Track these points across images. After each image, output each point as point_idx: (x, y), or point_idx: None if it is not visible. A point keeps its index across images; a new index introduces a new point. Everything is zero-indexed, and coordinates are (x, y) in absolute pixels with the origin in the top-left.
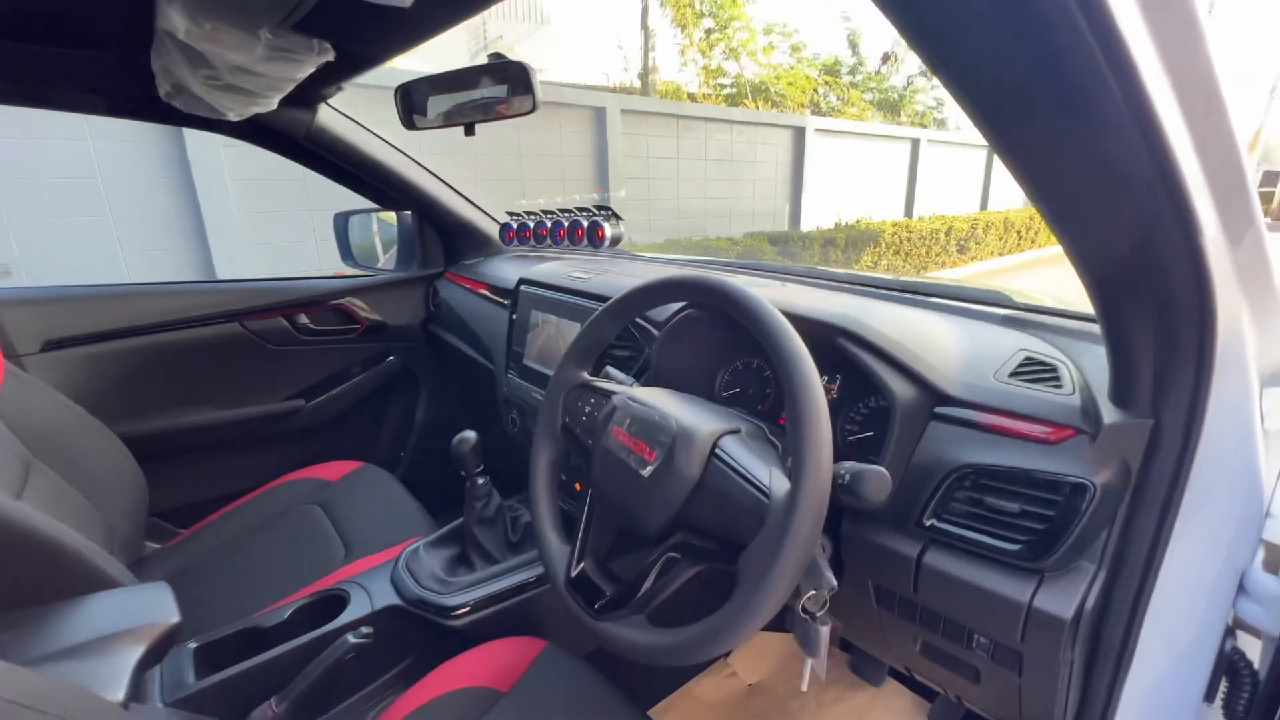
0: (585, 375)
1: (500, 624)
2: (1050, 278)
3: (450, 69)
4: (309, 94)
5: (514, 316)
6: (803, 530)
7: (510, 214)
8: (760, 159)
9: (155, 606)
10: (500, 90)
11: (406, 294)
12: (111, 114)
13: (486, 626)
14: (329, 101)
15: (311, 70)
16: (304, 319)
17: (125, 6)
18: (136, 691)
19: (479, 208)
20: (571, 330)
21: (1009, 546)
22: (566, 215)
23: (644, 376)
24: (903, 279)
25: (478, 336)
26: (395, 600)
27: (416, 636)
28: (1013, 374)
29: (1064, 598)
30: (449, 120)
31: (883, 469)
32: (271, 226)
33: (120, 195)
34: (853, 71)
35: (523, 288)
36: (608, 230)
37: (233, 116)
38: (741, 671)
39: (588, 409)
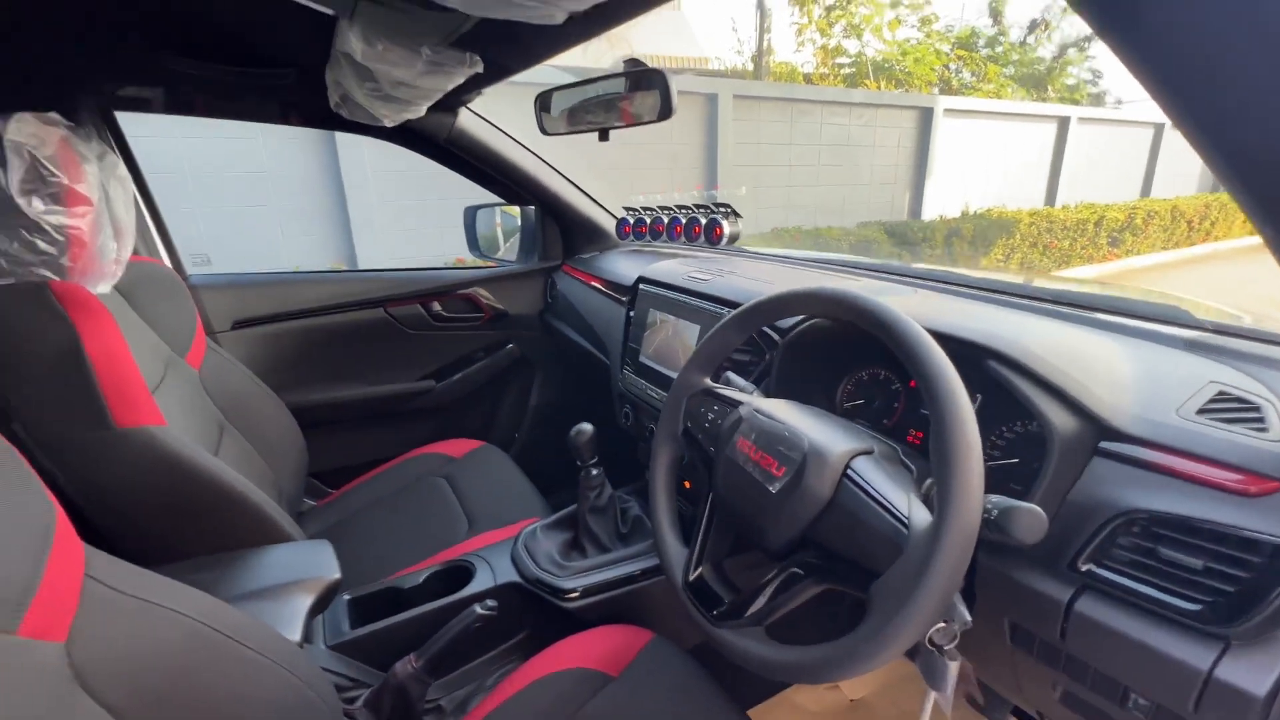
0: (708, 381)
1: (610, 610)
2: (1230, 276)
3: (587, 74)
4: (453, 100)
5: (631, 314)
6: (945, 568)
7: (628, 209)
8: (880, 143)
9: (322, 562)
10: (636, 96)
11: (526, 285)
12: (287, 122)
13: (597, 611)
14: (469, 105)
15: (462, 80)
16: (437, 306)
17: (310, 32)
18: (307, 634)
19: (597, 203)
20: (689, 331)
21: (1186, 605)
22: (685, 212)
23: (764, 383)
24: (1058, 288)
25: (592, 330)
26: (515, 577)
27: (533, 613)
28: (1201, 410)
29: (1257, 672)
30: (583, 125)
31: (1037, 508)
32: (405, 217)
33: (284, 191)
34: (991, 43)
35: (641, 286)
36: (726, 228)
37: (388, 123)
38: (845, 685)
39: (710, 416)
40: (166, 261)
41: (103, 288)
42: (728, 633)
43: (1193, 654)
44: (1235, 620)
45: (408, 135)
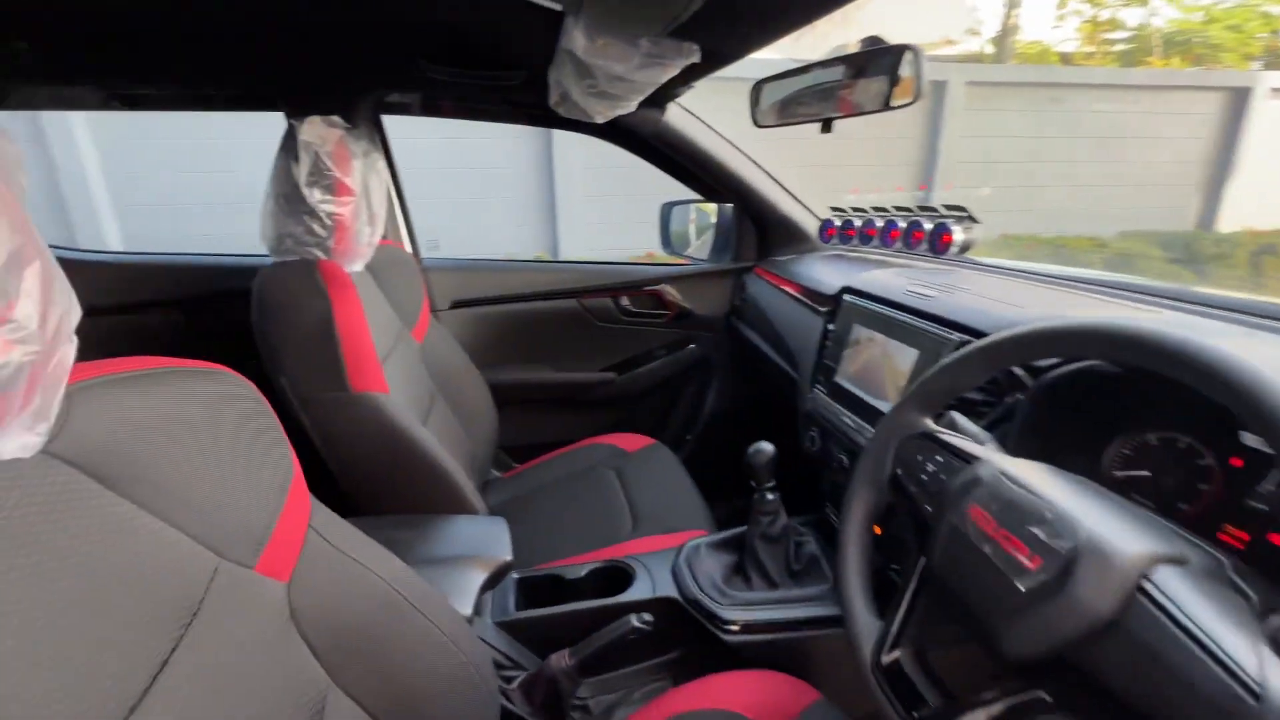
0: (929, 423)
1: (770, 653)
2: None
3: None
4: (662, 95)
5: (830, 327)
6: None
7: (834, 209)
8: (1164, 134)
9: (498, 542)
10: (874, 79)
11: (715, 285)
12: (514, 121)
13: (755, 650)
14: (677, 100)
15: (676, 73)
16: (625, 300)
17: (539, 33)
18: (477, 607)
19: (800, 202)
20: (903, 356)
21: None
22: (904, 214)
23: (999, 429)
24: None
25: (782, 339)
26: (673, 593)
27: (687, 634)
28: None
29: None
30: (806, 116)
31: None
32: (605, 209)
33: (506, 185)
34: None
35: (846, 297)
36: (956, 235)
37: (599, 119)
38: None
39: (930, 467)
40: (407, 245)
41: (356, 266)
42: None
43: None
44: None
45: (616, 131)
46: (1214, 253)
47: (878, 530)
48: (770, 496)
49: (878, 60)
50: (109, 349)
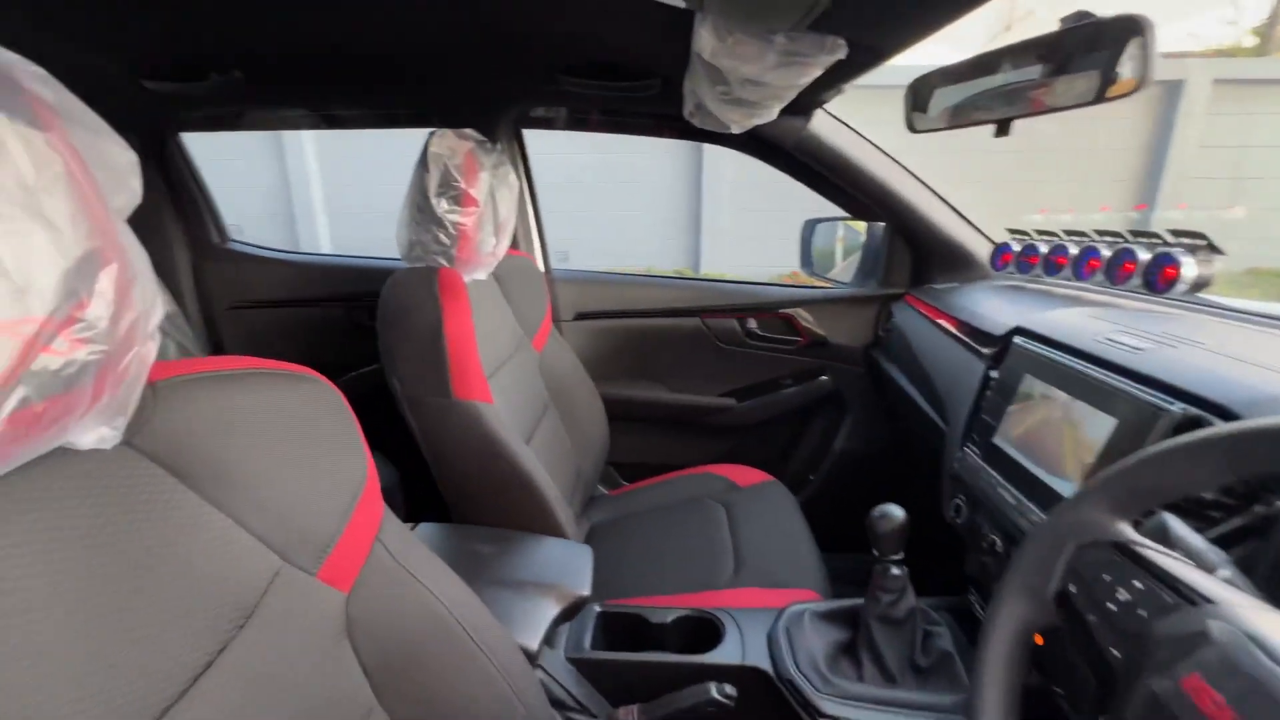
0: (1127, 530)
1: None
2: None
3: (985, 50)
4: (807, 100)
5: (993, 374)
6: None
7: (1013, 232)
8: None
9: (579, 573)
10: (1083, 65)
11: (856, 312)
12: (652, 134)
13: None
14: (825, 107)
15: (819, 73)
16: (753, 323)
17: (671, 37)
18: (549, 638)
19: (969, 222)
20: (1093, 422)
21: None
22: (1110, 240)
23: (1238, 548)
24: None
25: (930, 381)
26: (765, 665)
27: (773, 716)
28: None
29: None
30: (983, 119)
31: None
32: (750, 223)
33: (650, 198)
34: None
35: (1018, 340)
36: (1185, 269)
37: (735, 129)
38: None
39: (1124, 594)
40: (537, 256)
41: (479, 275)
42: None
43: None
44: None
45: (754, 142)
46: None
47: (1039, 640)
48: (896, 572)
49: (1090, 39)
50: (279, 338)
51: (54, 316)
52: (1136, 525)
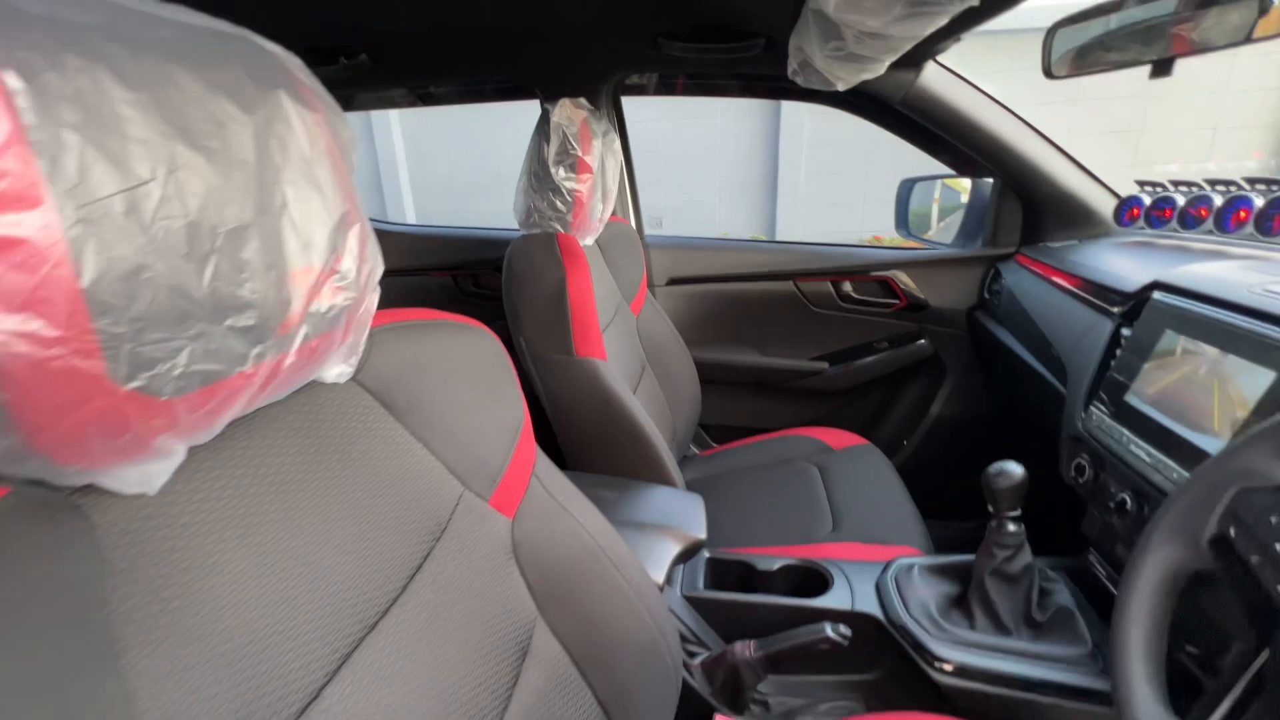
0: None
1: (989, 707)
2: None
3: None
4: (920, 52)
5: (1125, 331)
6: None
7: (1143, 184)
8: None
9: (694, 517)
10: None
11: (959, 274)
12: (746, 94)
13: (969, 699)
14: (937, 58)
15: (945, 21)
16: (847, 286)
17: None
18: (669, 577)
19: (1092, 175)
20: (1247, 376)
21: None
22: (1263, 189)
23: None
24: None
25: (1048, 343)
26: (876, 611)
27: (887, 659)
28: None
29: None
30: (1120, 62)
31: None
32: (829, 186)
33: (726, 163)
34: None
35: (1157, 295)
36: None
37: (841, 86)
38: None
39: None
40: (633, 222)
41: (588, 241)
42: None
43: None
44: None
45: (858, 99)
46: None
47: (1192, 649)
48: (1013, 528)
49: None
50: (394, 304)
51: (324, 268)
52: None
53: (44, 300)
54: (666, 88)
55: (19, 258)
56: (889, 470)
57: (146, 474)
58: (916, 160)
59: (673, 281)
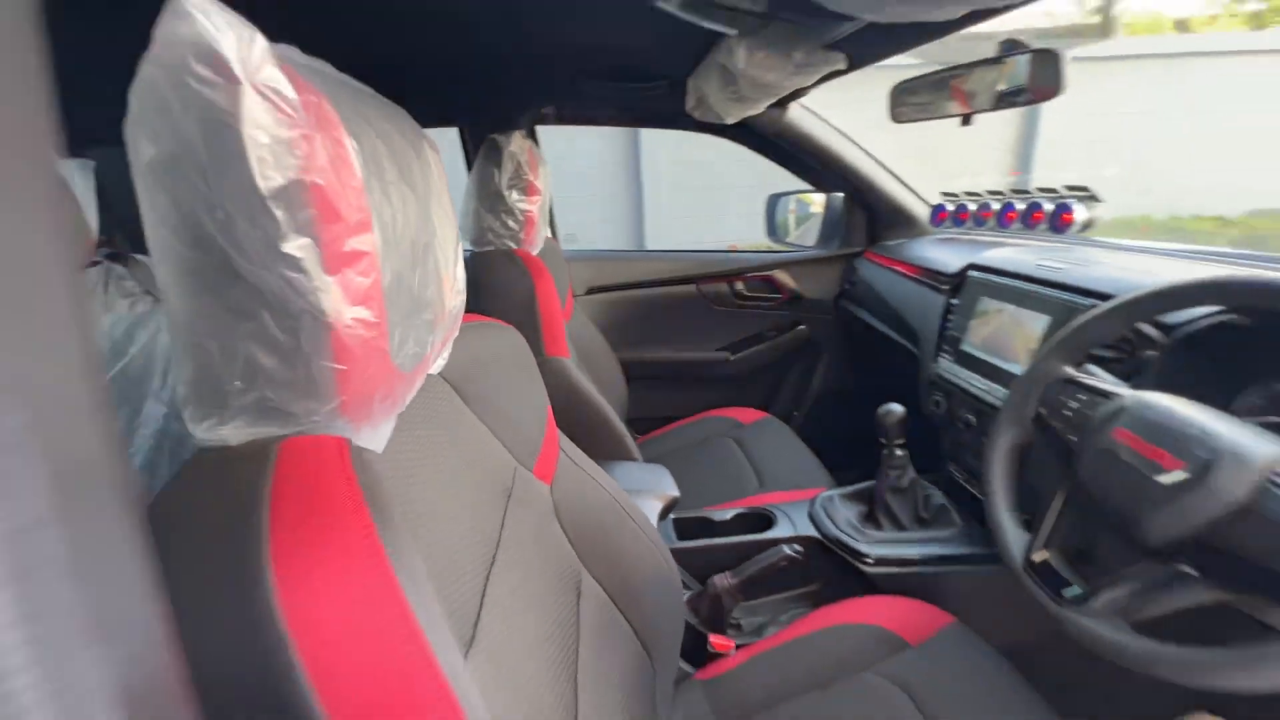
0: (1071, 370)
1: (907, 585)
2: None
3: (954, 62)
4: (791, 96)
5: (954, 301)
6: None
7: (945, 194)
8: None
9: (664, 481)
10: (1016, 76)
11: (824, 270)
12: (645, 125)
13: (893, 582)
14: (800, 99)
15: (818, 78)
16: (740, 285)
17: (691, 49)
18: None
19: (910, 189)
20: (1035, 322)
21: None
22: (1022, 196)
23: (1133, 380)
24: None
25: (901, 317)
26: (814, 533)
27: (828, 568)
28: None
29: None
30: (943, 113)
31: None
32: (686, 201)
33: (594, 183)
34: None
35: (972, 273)
36: (1077, 214)
37: (730, 120)
38: None
39: (1073, 405)
40: (555, 238)
41: (534, 254)
42: (1078, 615)
43: None
44: None
45: (740, 130)
46: None
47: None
48: (900, 452)
49: (1030, 60)
50: None
51: (452, 275)
52: (1076, 369)
53: (372, 297)
54: (585, 119)
55: (364, 266)
56: (791, 434)
57: (378, 434)
58: (759, 178)
59: (592, 290)
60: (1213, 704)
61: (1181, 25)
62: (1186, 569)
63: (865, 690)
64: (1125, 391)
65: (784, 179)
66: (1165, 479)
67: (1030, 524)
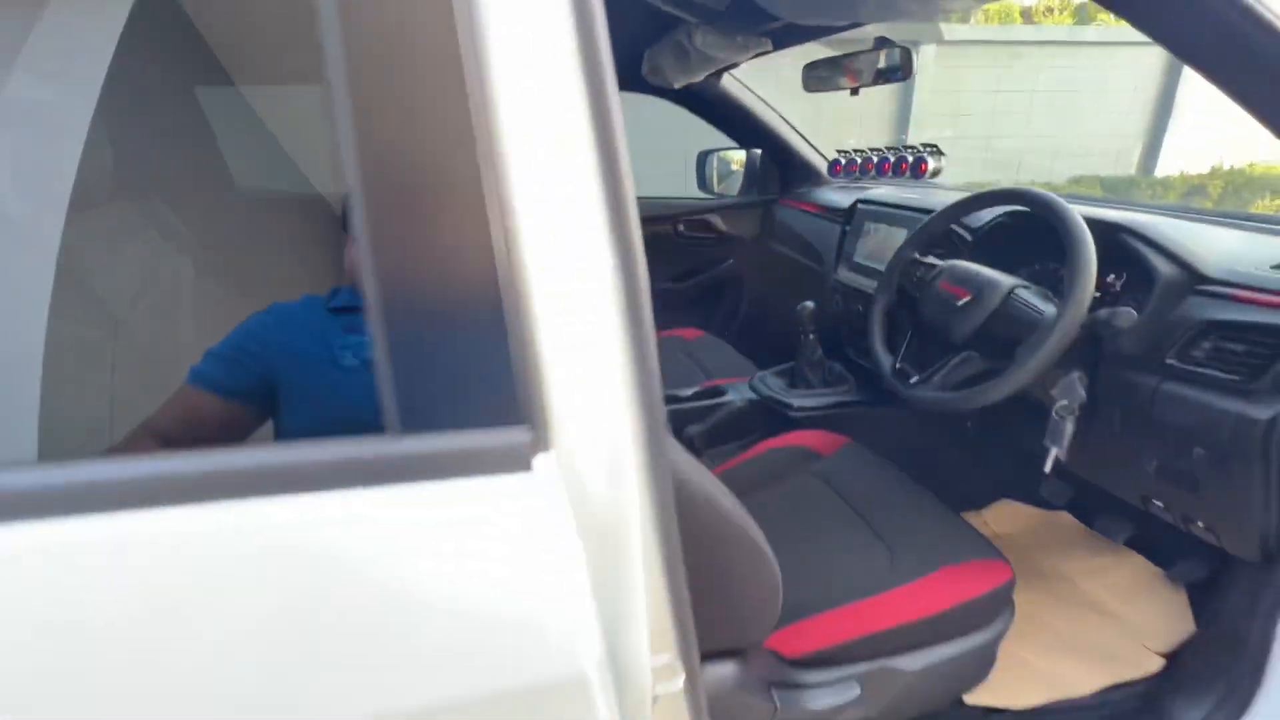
0: (918, 255)
1: (820, 423)
2: None
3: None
4: (726, 68)
5: (847, 227)
6: (1064, 329)
7: (840, 151)
8: (1111, 87)
9: None
10: (883, 64)
11: (748, 214)
12: None
13: (809, 423)
14: (731, 71)
15: (751, 55)
16: (682, 227)
17: (660, 29)
18: None
19: (814, 147)
20: (898, 235)
21: (1229, 377)
22: (894, 152)
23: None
24: (1222, 210)
25: (809, 244)
26: (753, 397)
27: (765, 419)
28: (1275, 266)
29: (1262, 407)
30: (839, 86)
31: (1130, 310)
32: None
33: None
34: None
35: (860, 205)
36: (930, 164)
37: (676, 86)
38: (992, 521)
39: (918, 274)
40: None
41: None
42: (919, 390)
43: (1230, 404)
44: (1256, 379)
45: (684, 95)
46: (1150, 194)
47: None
48: (812, 337)
49: (893, 53)
50: None
51: None
52: (921, 255)
53: None
54: None
55: None
56: (726, 345)
57: None
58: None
59: None
60: (1015, 495)
61: (1028, 15)
62: (972, 353)
63: (799, 483)
64: (946, 263)
65: (694, 143)
66: (960, 303)
67: (892, 349)
